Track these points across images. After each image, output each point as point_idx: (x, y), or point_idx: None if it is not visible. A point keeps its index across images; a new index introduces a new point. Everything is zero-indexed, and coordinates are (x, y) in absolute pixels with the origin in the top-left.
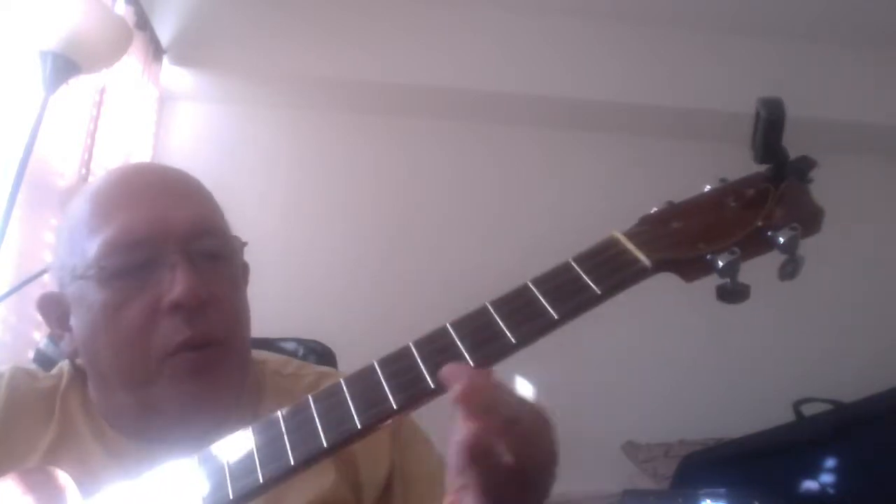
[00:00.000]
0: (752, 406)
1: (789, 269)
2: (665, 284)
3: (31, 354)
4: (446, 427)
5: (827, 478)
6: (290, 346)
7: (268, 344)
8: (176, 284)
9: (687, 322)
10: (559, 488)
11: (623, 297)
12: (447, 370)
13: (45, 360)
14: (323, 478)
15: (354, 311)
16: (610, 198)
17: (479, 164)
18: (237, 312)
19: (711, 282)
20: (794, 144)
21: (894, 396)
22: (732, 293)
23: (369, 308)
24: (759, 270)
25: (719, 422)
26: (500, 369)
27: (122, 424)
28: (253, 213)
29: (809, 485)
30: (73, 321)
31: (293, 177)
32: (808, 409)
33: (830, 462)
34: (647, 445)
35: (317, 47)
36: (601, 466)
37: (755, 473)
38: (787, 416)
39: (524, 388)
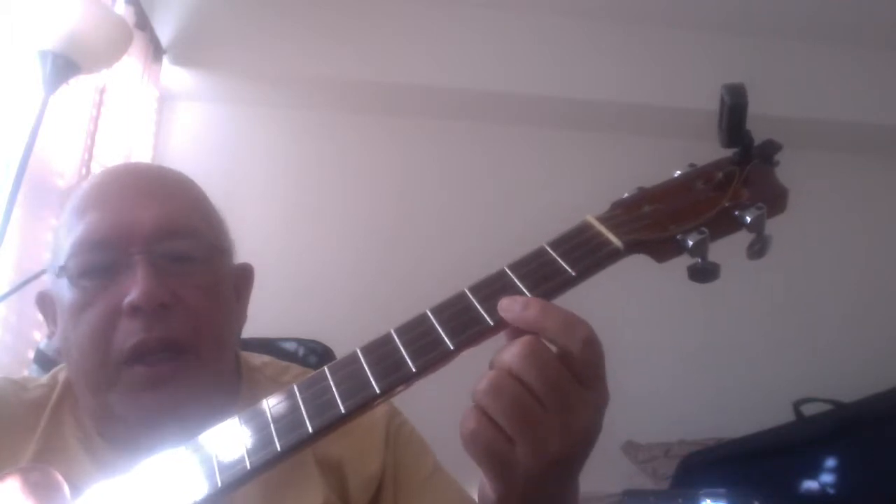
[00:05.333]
0: (752, 406)
1: (757, 248)
2: (665, 285)
3: (31, 354)
4: (440, 425)
5: (827, 478)
6: (290, 346)
7: (268, 344)
8: (133, 286)
9: (687, 322)
10: None
11: (622, 298)
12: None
13: (45, 360)
14: (312, 493)
15: (354, 310)
16: (604, 197)
17: (477, 163)
18: (207, 317)
19: (712, 283)
20: (793, 143)
21: (894, 396)
22: (703, 272)
23: (369, 308)
24: (759, 270)
25: (719, 422)
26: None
27: (104, 431)
28: (253, 213)
29: (809, 485)
30: (57, 319)
31: (293, 176)
32: (808, 409)
33: (830, 462)
34: (647, 445)
35: (316, 47)
36: (601, 466)
37: (755, 473)
38: (787, 416)
39: None
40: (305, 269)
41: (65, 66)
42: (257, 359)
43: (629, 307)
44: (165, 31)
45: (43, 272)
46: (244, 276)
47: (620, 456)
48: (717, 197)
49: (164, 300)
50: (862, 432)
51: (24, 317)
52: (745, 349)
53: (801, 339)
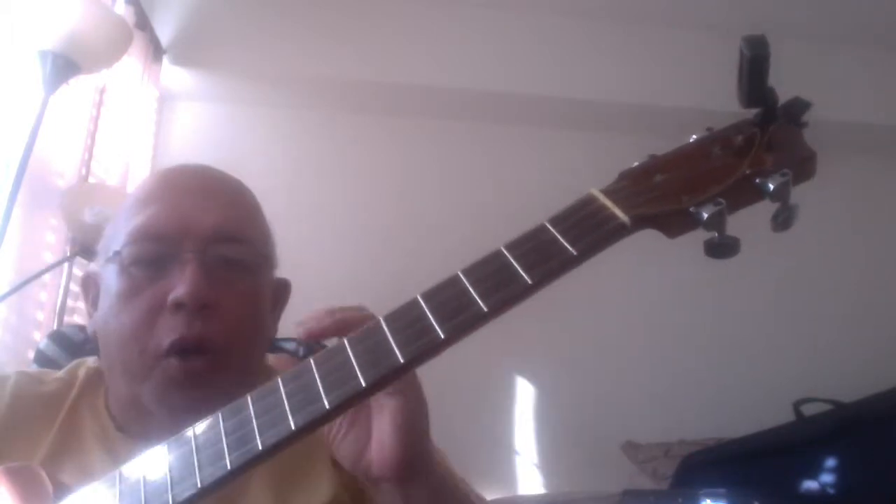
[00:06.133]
0: (752, 406)
1: (782, 218)
2: (665, 285)
3: (31, 354)
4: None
5: (827, 478)
6: (291, 346)
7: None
8: (181, 283)
9: (687, 322)
10: (559, 488)
11: (623, 298)
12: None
13: (45, 360)
14: (322, 488)
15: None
16: None
17: (477, 163)
18: (242, 324)
19: (711, 282)
20: None
21: (894, 396)
22: (720, 247)
23: (369, 307)
24: (759, 270)
25: (719, 422)
26: (500, 369)
27: (125, 423)
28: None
29: (809, 485)
30: (99, 303)
31: (293, 177)
32: (808, 409)
33: (830, 462)
34: (647, 445)
35: (316, 47)
36: (601, 466)
37: (755, 473)
38: (787, 416)
39: (525, 388)
40: (305, 269)
41: (65, 66)
42: (273, 359)
43: (630, 308)
44: (165, 31)
45: (43, 272)
46: (282, 291)
47: (620, 456)
48: (736, 163)
49: (207, 301)
50: (862, 432)
51: (24, 317)
52: (745, 349)
53: (802, 338)
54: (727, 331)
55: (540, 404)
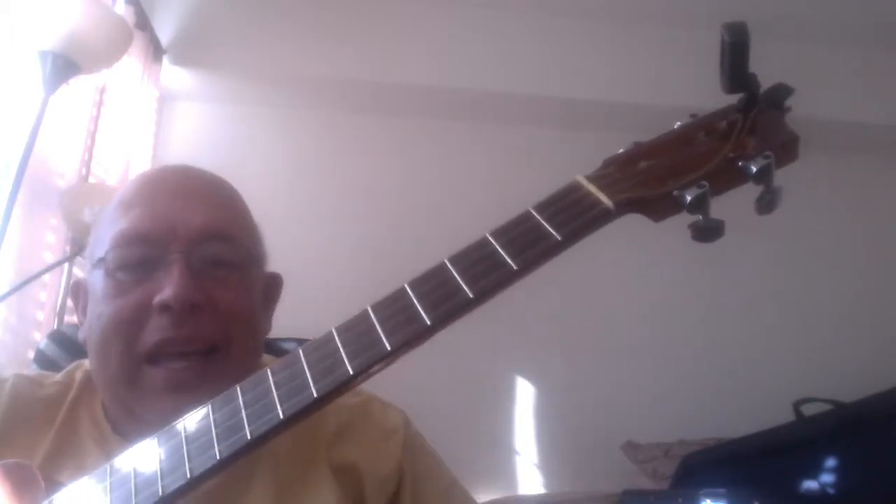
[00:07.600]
0: (752, 406)
1: (766, 201)
2: (664, 283)
3: (31, 354)
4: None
5: (827, 478)
6: (291, 346)
7: (268, 344)
8: (167, 284)
9: (687, 322)
10: (559, 488)
11: (623, 298)
12: None
13: (45, 361)
14: (323, 495)
15: (354, 311)
16: None
17: (477, 163)
18: (236, 320)
19: (712, 282)
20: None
21: (894, 396)
22: (706, 230)
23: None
24: (759, 270)
25: (719, 422)
26: (501, 369)
27: (121, 427)
28: (252, 213)
29: (809, 485)
30: (88, 309)
31: (293, 177)
32: (808, 409)
33: (830, 462)
34: (647, 445)
35: (316, 47)
36: (601, 466)
37: (755, 473)
38: (787, 416)
39: (525, 388)
40: (304, 269)
41: (65, 66)
42: (272, 360)
43: (630, 308)
44: (165, 31)
45: (43, 272)
46: (273, 285)
47: (620, 456)
48: (718, 147)
49: (195, 301)
50: (862, 432)
51: (24, 317)
52: (745, 349)
53: (801, 338)
54: (727, 331)
55: (540, 404)
